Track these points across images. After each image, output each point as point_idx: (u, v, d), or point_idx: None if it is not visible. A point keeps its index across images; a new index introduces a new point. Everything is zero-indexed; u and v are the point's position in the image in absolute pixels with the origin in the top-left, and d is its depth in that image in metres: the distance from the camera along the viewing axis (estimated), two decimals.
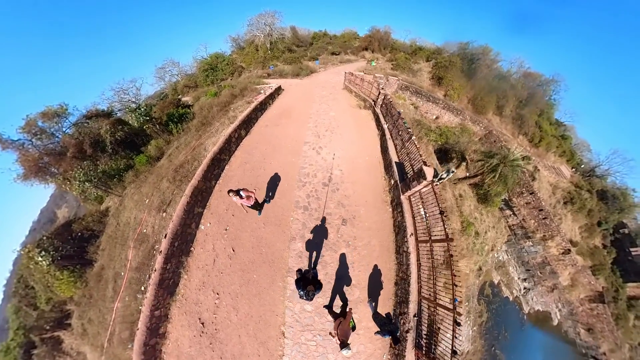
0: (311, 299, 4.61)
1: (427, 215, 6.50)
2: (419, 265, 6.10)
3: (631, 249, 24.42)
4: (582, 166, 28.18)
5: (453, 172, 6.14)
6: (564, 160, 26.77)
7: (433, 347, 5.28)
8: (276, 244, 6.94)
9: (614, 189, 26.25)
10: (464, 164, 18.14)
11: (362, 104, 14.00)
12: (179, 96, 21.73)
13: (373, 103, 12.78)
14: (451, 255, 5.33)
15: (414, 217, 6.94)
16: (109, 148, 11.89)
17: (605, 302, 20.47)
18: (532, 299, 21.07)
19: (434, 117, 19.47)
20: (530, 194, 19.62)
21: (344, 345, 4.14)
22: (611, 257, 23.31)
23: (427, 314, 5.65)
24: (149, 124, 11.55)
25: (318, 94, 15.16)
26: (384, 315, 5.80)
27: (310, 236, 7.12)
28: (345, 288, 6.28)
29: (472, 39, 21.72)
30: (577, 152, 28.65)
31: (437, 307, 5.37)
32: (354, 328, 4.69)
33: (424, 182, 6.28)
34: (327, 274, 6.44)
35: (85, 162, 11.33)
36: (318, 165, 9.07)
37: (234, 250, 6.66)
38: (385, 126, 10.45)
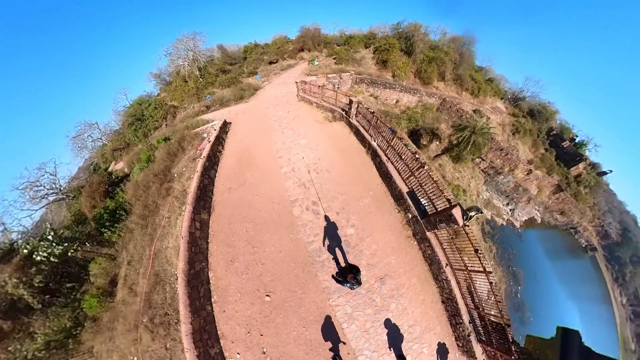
0: (360, 283, 4.19)
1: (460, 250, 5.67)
2: (460, 287, 5.82)
3: (562, 144, 28.91)
4: (509, 97, 30.14)
5: (482, 212, 5.91)
6: (497, 98, 27.92)
7: (492, 339, 5.39)
8: (329, 336, 5.13)
9: (537, 106, 29.37)
10: (436, 140, 17.03)
11: (329, 115, 11.04)
12: (112, 163, 15.98)
13: (344, 113, 9.92)
14: (491, 283, 5.04)
15: (444, 249, 6.07)
16: (37, 304, 7.09)
17: (563, 189, 24.38)
18: (518, 215, 24.12)
19: (394, 101, 17.54)
20: (491, 140, 19.91)
21: None
22: (553, 155, 27.51)
23: (478, 317, 5.55)
24: (71, 247, 7.05)
25: (274, 117, 11.66)
26: None
27: (358, 313, 5.40)
28: (407, 334, 5.46)
29: (402, 19, 20.42)
30: (501, 87, 30.30)
31: (486, 316, 5.33)
32: None
33: (455, 227, 5.40)
34: (387, 332, 5.35)
35: (12, 345, 6.58)
36: (325, 231, 6.19)
37: None
38: (374, 144, 7.81)
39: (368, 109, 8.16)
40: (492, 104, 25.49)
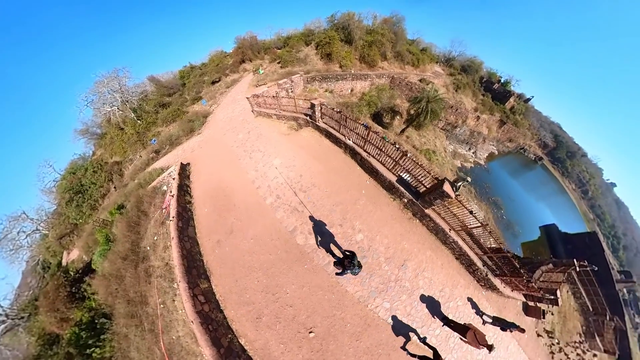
0: (360, 266, 4.31)
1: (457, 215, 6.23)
2: (466, 242, 6.50)
3: (493, 87, 34.16)
4: (442, 60, 32.80)
5: (468, 181, 6.14)
6: (434, 63, 30.11)
7: (504, 270, 6.43)
8: (383, 336, 5.24)
9: (466, 62, 33.33)
10: (397, 116, 17.71)
11: (293, 124, 10.41)
12: (64, 254, 13.06)
13: (309, 118, 9.42)
14: (490, 232, 5.76)
15: (443, 217, 6.56)
16: None
17: (505, 122, 30.08)
18: (480, 154, 28.41)
19: (349, 91, 17.56)
20: (444, 103, 21.71)
21: (491, 347, 4.60)
22: (489, 98, 32.25)
23: (488, 259, 6.51)
24: None
25: (236, 142, 10.48)
26: None
27: (397, 304, 5.63)
28: (441, 298, 6.07)
29: (336, 10, 20.24)
30: (434, 53, 32.72)
31: (494, 254, 6.23)
32: None
33: (449, 200, 5.76)
34: (426, 305, 5.82)
35: None
36: (314, 230, 6.04)
37: None
38: (349, 143, 7.55)
39: (333, 108, 7.80)
40: (431, 70, 27.35)
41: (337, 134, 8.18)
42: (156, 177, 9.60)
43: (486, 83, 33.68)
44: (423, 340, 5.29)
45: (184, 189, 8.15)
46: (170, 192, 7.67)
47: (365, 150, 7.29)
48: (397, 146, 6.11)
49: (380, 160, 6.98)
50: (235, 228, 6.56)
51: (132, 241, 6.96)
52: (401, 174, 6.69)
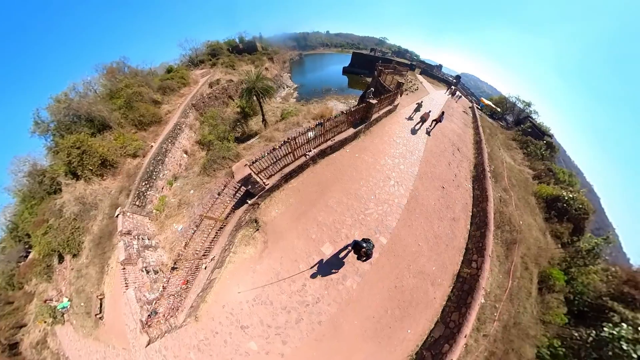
0: (372, 244, 4.25)
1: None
2: (385, 107, 10.94)
3: (241, 48, 41.26)
4: (189, 63, 31.65)
5: (372, 89, 10.13)
6: (193, 70, 27.36)
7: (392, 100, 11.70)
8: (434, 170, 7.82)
9: (200, 54, 34.09)
10: (245, 120, 15.54)
11: (247, 231, 6.23)
12: None
13: (251, 199, 6.01)
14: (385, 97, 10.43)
15: (376, 112, 9.68)
16: None
17: (272, 57, 39.97)
18: (289, 84, 36.42)
19: (183, 155, 12.83)
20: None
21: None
22: (250, 55, 38.95)
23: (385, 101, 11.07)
24: None
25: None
26: None
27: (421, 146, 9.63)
28: (411, 127, 11.40)
29: (33, 110, 11.97)
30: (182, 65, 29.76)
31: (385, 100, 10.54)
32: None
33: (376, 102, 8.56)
34: (414, 133, 10.92)
35: None
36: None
37: None
38: (312, 153, 6.42)
39: (270, 150, 4.93)
40: (199, 77, 24.34)
41: (297, 163, 5.80)
42: None
43: (237, 50, 39.47)
44: (429, 129, 10.92)
45: None
46: None
47: (329, 139, 6.79)
48: (345, 111, 6.65)
49: (341, 130, 7.12)
50: None
51: None
52: (358, 118, 7.71)
